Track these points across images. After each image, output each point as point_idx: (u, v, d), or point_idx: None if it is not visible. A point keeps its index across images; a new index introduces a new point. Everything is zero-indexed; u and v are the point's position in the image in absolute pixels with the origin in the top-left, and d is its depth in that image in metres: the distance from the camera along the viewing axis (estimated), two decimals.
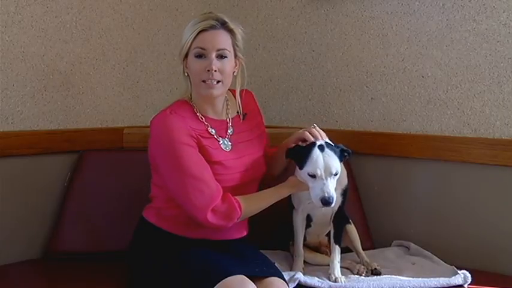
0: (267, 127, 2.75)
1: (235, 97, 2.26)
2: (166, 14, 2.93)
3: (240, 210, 2.06)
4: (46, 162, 2.55)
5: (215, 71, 2.08)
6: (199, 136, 2.10)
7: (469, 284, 2.15)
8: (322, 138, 2.17)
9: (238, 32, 2.15)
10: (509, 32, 2.40)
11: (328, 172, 2.09)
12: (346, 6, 2.76)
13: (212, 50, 2.08)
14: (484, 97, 2.46)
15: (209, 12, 2.17)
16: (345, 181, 2.26)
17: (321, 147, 2.12)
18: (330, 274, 2.20)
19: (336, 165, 2.10)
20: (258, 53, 3.03)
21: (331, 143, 2.16)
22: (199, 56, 2.09)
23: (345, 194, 2.27)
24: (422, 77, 2.59)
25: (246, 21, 3.05)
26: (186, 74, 2.16)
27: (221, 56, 2.10)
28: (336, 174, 2.10)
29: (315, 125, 2.25)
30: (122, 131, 2.76)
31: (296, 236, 2.32)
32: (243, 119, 2.26)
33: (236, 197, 2.08)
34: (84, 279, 2.26)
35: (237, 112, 2.26)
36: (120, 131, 2.76)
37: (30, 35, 2.51)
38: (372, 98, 2.73)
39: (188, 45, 2.10)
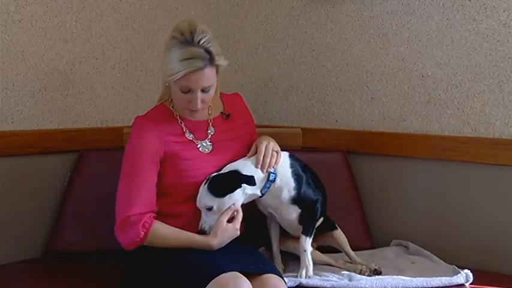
0: (267, 127, 2.75)
1: (220, 97, 2.29)
2: (166, 13, 2.93)
3: (142, 239, 2.05)
4: (46, 162, 2.55)
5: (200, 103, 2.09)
6: (171, 142, 2.13)
7: (470, 283, 2.15)
8: (269, 166, 2.13)
9: (222, 60, 2.09)
10: (509, 32, 2.40)
11: (200, 205, 2.09)
12: (346, 6, 2.76)
13: (198, 88, 2.07)
14: (484, 97, 2.46)
15: (192, 43, 2.04)
16: (290, 193, 2.18)
17: (207, 180, 2.09)
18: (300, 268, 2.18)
19: (205, 200, 2.07)
20: (258, 53, 3.03)
21: (228, 172, 2.10)
22: (185, 91, 2.08)
23: (296, 203, 2.20)
24: (422, 76, 2.59)
25: (246, 21, 3.05)
26: (167, 84, 2.15)
27: (206, 89, 2.09)
28: (209, 209, 2.07)
29: (276, 151, 2.18)
30: (122, 130, 2.74)
31: (271, 238, 2.32)
32: (227, 119, 2.26)
33: (154, 225, 2.05)
34: (84, 279, 2.27)
35: (221, 112, 2.27)
36: (120, 130, 2.74)
37: (30, 34, 2.51)
38: (372, 98, 2.73)
39: (173, 80, 2.06)
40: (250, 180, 2.08)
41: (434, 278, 2.14)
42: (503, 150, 2.40)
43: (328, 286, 2.12)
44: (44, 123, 2.57)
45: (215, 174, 2.10)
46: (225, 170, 2.12)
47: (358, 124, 2.77)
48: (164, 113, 2.19)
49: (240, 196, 2.09)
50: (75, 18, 2.63)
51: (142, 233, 2.05)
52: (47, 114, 2.58)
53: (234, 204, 2.08)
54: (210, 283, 1.88)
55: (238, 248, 2.12)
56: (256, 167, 2.14)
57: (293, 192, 2.18)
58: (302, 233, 2.22)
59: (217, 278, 1.88)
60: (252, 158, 2.16)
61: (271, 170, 2.14)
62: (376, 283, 2.12)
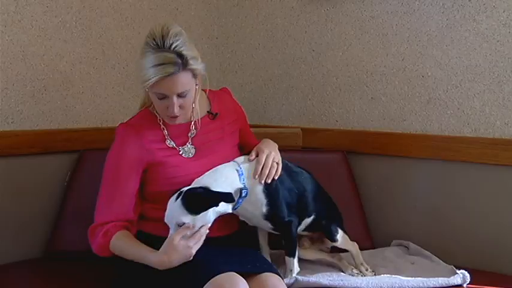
0: (267, 127, 2.74)
1: (207, 95, 2.27)
2: (166, 13, 2.93)
3: (104, 246, 2.06)
4: (46, 162, 2.55)
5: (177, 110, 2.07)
6: (155, 150, 2.12)
7: (468, 284, 2.15)
8: (269, 178, 2.08)
9: (197, 64, 2.05)
10: (509, 32, 2.40)
11: (172, 221, 1.98)
12: (346, 6, 2.76)
13: (173, 94, 2.04)
14: (484, 97, 2.46)
15: (164, 48, 2.02)
16: (261, 210, 2.11)
17: (179, 195, 1.97)
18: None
19: (179, 216, 1.94)
20: (258, 53, 3.03)
21: (202, 188, 1.99)
22: (160, 98, 2.06)
23: (268, 219, 2.13)
24: (422, 76, 2.59)
25: (246, 21, 3.05)
26: (146, 90, 2.11)
27: (182, 94, 2.05)
28: (181, 226, 1.94)
29: (277, 162, 2.14)
30: None
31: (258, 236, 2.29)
32: (214, 118, 2.24)
33: (115, 235, 2.04)
34: (84, 279, 2.27)
35: (207, 111, 2.25)
36: None
37: (30, 34, 2.51)
38: (371, 98, 2.73)
39: (147, 86, 2.04)
40: (228, 198, 1.99)
41: (431, 278, 2.13)
42: (503, 150, 2.40)
43: (325, 282, 2.11)
44: (44, 123, 2.57)
45: (187, 188, 2.00)
46: (194, 184, 2.01)
47: (358, 124, 2.77)
48: (147, 119, 2.17)
49: (212, 214, 1.99)
50: (75, 18, 2.63)
51: (102, 241, 2.05)
52: (47, 114, 2.58)
53: (206, 222, 1.98)
54: (206, 284, 1.87)
55: (234, 248, 2.12)
56: (254, 177, 2.09)
57: (264, 209, 2.11)
58: (286, 254, 2.18)
59: (213, 279, 1.87)
60: (244, 163, 2.12)
61: (242, 186, 2.08)
62: (372, 282, 2.12)
